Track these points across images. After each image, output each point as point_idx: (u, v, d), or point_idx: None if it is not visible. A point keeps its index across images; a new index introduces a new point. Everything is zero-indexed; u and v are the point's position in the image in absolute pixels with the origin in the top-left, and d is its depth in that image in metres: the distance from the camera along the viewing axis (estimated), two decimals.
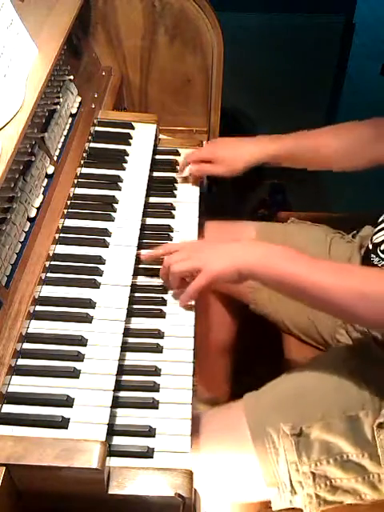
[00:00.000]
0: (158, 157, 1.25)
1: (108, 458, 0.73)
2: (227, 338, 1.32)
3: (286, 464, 0.87)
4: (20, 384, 0.79)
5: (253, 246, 0.92)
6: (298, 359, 1.18)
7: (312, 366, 0.99)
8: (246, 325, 1.35)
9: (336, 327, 1.10)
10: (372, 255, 1.04)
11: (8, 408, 0.77)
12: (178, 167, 1.23)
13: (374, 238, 1.05)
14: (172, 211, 1.13)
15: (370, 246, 1.05)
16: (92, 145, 1.20)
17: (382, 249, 1.02)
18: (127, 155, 1.19)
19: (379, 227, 1.05)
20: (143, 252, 1.01)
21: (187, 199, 1.17)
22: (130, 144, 1.22)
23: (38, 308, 0.88)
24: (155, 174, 1.20)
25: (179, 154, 1.26)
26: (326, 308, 0.88)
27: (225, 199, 1.99)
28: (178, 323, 0.93)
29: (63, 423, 0.75)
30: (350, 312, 0.81)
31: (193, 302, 0.96)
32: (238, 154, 1.15)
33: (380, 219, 1.06)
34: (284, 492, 0.88)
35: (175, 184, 1.20)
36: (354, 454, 0.86)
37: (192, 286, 0.91)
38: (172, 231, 1.09)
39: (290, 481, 0.87)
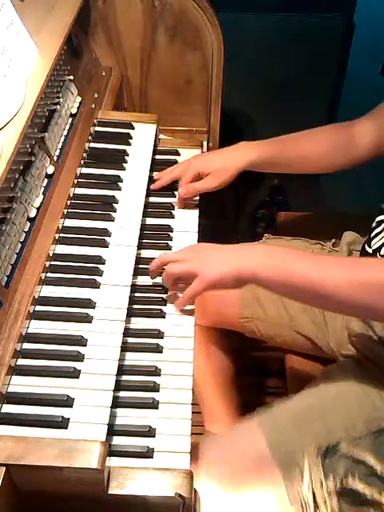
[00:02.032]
0: (157, 157, 1.25)
1: (108, 458, 0.73)
2: (228, 378, 1.30)
3: (311, 483, 0.85)
4: (20, 384, 0.79)
5: (253, 248, 0.90)
6: (301, 375, 1.18)
7: (326, 380, 0.97)
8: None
9: (343, 339, 1.08)
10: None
11: (8, 408, 0.77)
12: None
13: (373, 243, 1.04)
14: (172, 211, 1.13)
15: (370, 251, 1.04)
16: (92, 145, 1.20)
17: (381, 253, 1.01)
18: (127, 155, 1.19)
19: (375, 232, 1.05)
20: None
21: (187, 199, 1.16)
22: (129, 144, 1.22)
23: (38, 308, 0.88)
24: (155, 174, 1.20)
25: (179, 154, 1.26)
26: (339, 306, 0.84)
27: (225, 199, 1.99)
28: (177, 323, 0.93)
29: (63, 423, 0.75)
30: (361, 306, 0.78)
31: (193, 306, 0.95)
32: (225, 163, 1.14)
33: (374, 224, 1.06)
34: (307, 509, 0.86)
35: (175, 184, 1.20)
36: (379, 467, 0.84)
37: (188, 292, 0.90)
38: (172, 231, 1.09)
39: (314, 499, 0.85)
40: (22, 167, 0.94)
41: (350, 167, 1.17)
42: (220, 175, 1.13)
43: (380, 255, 1.01)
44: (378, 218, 1.06)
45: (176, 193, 1.17)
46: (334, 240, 1.23)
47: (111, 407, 0.78)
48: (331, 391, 0.94)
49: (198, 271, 0.88)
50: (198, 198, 1.17)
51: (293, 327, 1.14)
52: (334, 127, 1.20)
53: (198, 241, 1.09)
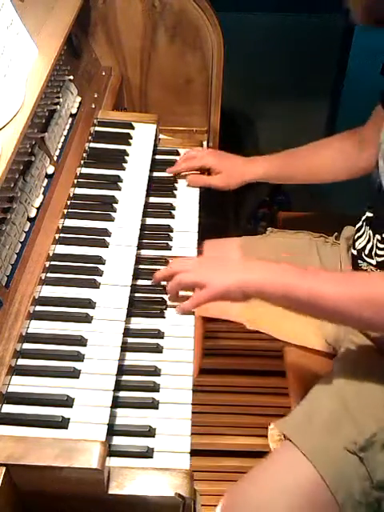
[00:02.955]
0: (157, 157, 1.25)
1: (108, 458, 0.73)
2: None
3: (359, 481, 0.85)
4: (20, 384, 0.79)
5: (257, 264, 0.92)
6: (301, 371, 1.17)
7: (339, 377, 0.96)
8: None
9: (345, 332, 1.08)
10: (359, 261, 1.04)
11: (8, 408, 0.77)
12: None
13: (356, 244, 1.05)
14: (172, 211, 1.13)
15: (355, 253, 1.06)
16: (92, 145, 1.20)
17: (366, 253, 1.02)
18: (127, 155, 1.19)
19: (358, 234, 1.06)
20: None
21: (187, 199, 1.17)
22: (129, 144, 1.22)
23: (38, 308, 0.88)
24: (155, 174, 1.20)
25: (179, 154, 1.26)
26: (337, 319, 0.88)
27: (225, 199, 1.99)
28: (178, 323, 0.93)
29: (63, 423, 0.75)
30: (360, 320, 0.81)
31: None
32: (237, 170, 1.21)
33: (358, 225, 1.07)
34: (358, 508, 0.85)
35: (175, 184, 1.20)
36: None
37: (194, 300, 0.92)
38: (172, 231, 1.09)
39: (365, 497, 0.84)
40: (21, 167, 0.94)
41: (363, 174, 1.17)
42: (229, 178, 1.20)
43: (365, 255, 1.02)
44: (363, 217, 1.06)
45: (176, 193, 1.17)
46: (336, 234, 1.24)
47: (111, 407, 0.78)
48: (349, 389, 0.93)
49: (206, 282, 0.89)
50: (198, 198, 1.17)
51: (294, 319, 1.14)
52: (339, 137, 1.21)
53: (198, 241, 1.09)
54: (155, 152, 1.25)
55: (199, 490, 0.78)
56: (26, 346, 0.84)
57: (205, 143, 1.40)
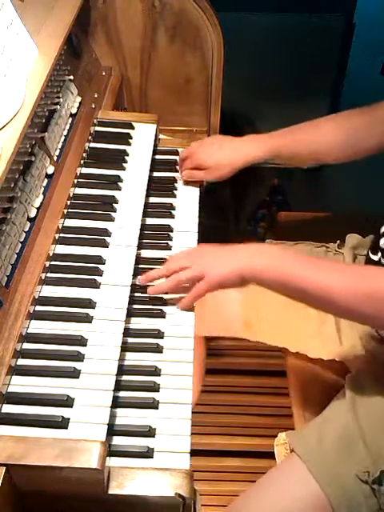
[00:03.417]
0: (157, 157, 1.25)
1: (108, 458, 0.73)
2: None
3: (369, 510, 0.84)
4: (20, 384, 0.79)
5: (255, 249, 0.91)
6: (302, 375, 1.17)
7: (357, 396, 0.94)
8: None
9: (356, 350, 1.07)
10: (383, 260, 1.01)
11: (8, 408, 0.77)
12: (177, 167, 1.23)
13: (382, 242, 1.01)
14: (172, 211, 1.13)
15: (377, 258, 1.02)
16: (92, 145, 1.20)
17: None
18: (127, 155, 1.19)
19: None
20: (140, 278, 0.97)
21: (187, 199, 1.17)
22: (130, 144, 1.22)
23: (38, 308, 0.88)
24: (155, 174, 1.20)
25: (179, 154, 1.26)
26: (332, 309, 0.86)
27: (225, 199, 1.99)
28: (178, 323, 0.93)
29: (63, 423, 0.75)
30: (356, 313, 0.80)
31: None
32: (234, 156, 1.14)
33: (383, 230, 1.03)
34: None
35: (175, 184, 1.20)
36: None
37: (193, 293, 0.91)
38: (172, 231, 1.09)
39: None
40: (21, 167, 0.94)
41: (377, 152, 1.09)
42: (220, 169, 1.14)
43: None
44: None
45: (176, 193, 1.17)
46: (338, 242, 1.21)
47: (111, 407, 0.78)
48: (364, 412, 0.91)
49: (204, 273, 0.89)
50: (198, 198, 1.17)
51: (297, 330, 1.13)
52: (352, 112, 1.13)
53: (198, 241, 1.09)
54: (155, 152, 1.25)
55: (199, 489, 0.78)
56: (26, 345, 0.84)
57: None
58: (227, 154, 1.15)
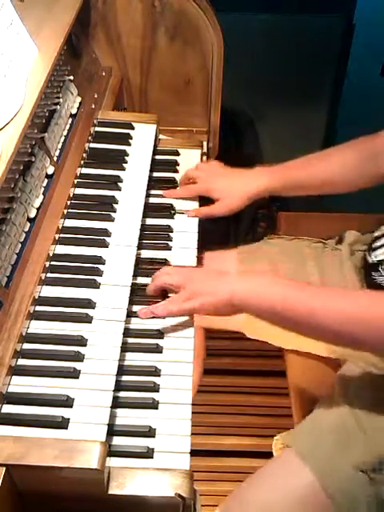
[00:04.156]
0: (157, 157, 1.25)
1: (108, 458, 0.73)
2: None
3: (366, 501, 0.84)
4: (20, 384, 0.79)
5: (245, 276, 0.91)
6: (301, 375, 1.17)
7: (351, 390, 0.95)
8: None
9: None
10: (373, 273, 1.01)
11: (8, 408, 0.77)
12: (177, 167, 1.23)
13: (373, 255, 1.02)
14: (172, 211, 1.13)
15: (370, 261, 1.03)
16: (92, 145, 1.20)
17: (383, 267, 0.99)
18: (127, 155, 1.19)
19: (378, 243, 1.03)
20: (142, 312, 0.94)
21: (187, 199, 1.16)
22: (130, 144, 1.22)
23: (38, 308, 0.88)
24: (155, 174, 1.20)
25: (179, 154, 1.26)
26: (322, 335, 0.84)
27: None
28: (177, 323, 0.93)
29: (63, 423, 0.75)
30: (356, 340, 0.79)
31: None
32: (238, 190, 1.11)
33: (376, 234, 1.04)
34: None
35: (175, 184, 1.20)
36: None
37: (182, 307, 0.89)
38: (172, 231, 1.09)
39: None
40: (21, 167, 0.94)
41: (380, 183, 1.10)
42: (230, 203, 1.12)
43: (382, 269, 0.99)
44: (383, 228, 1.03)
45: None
46: (336, 238, 1.22)
47: (111, 407, 0.78)
48: (359, 404, 0.91)
49: (195, 296, 0.88)
50: (198, 198, 1.17)
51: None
52: (357, 142, 1.12)
53: (198, 241, 1.09)
54: (155, 152, 1.24)
55: (199, 489, 0.78)
56: (26, 346, 0.84)
57: (205, 143, 1.40)
58: (242, 182, 1.12)
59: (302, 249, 1.20)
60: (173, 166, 1.23)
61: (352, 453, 0.86)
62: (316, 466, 0.86)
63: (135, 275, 0.97)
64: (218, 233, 1.31)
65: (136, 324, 0.93)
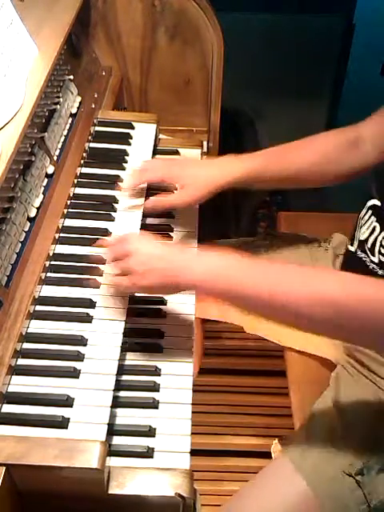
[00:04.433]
0: (158, 157, 1.25)
1: (108, 457, 0.73)
2: None
3: (355, 504, 0.84)
4: (20, 384, 0.79)
5: (196, 259, 0.84)
6: (301, 375, 1.17)
7: (341, 394, 0.95)
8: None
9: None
10: (358, 251, 0.97)
11: (8, 408, 0.77)
12: None
13: (359, 234, 0.98)
14: (172, 211, 1.13)
15: (353, 247, 0.99)
16: (92, 145, 1.20)
17: (368, 247, 0.94)
18: (127, 155, 1.19)
19: (361, 223, 0.98)
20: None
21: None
22: (130, 144, 1.22)
23: (38, 308, 0.88)
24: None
25: (179, 154, 1.26)
26: (296, 321, 0.77)
27: (224, 199, 1.99)
28: (178, 323, 0.93)
29: (63, 423, 0.75)
30: (328, 324, 0.73)
31: (193, 302, 0.95)
32: (205, 178, 1.01)
33: (362, 214, 0.98)
34: None
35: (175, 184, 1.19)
36: None
37: (122, 288, 0.87)
38: (172, 231, 1.09)
39: None
40: (22, 167, 0.94)
41: (357, 177, 1.06)
42: (195, 191, 1.01)
43: (367, 248, 0.95)
44: (368, 205, 0.97)
45: (176, 192, 1.17)
46: (328, 239, 1.22)
47: (111, 407, 0.78)
48: (348, 409, 0.92)
49: (139, 273, 0.82)
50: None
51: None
52: (334, 132, 1.07)
53: (198, 241, 1.09)
54: (155, 152, 1.24)
55: (199, 489, 0.78)
56: (26, 345, 0.84)
57: (205, 143, 1.40)
58: (207, 171, 1.02)
59: (298, 245, 1.20)
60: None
61: (340, 457, 0.87)
62: (306, 472, 0.86)
63: None
64: (218, 233, 1.31)
65: (136, 324, 0.93)
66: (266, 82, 1.95)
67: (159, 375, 0.86)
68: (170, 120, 1.40)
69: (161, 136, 1.31)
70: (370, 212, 0.96)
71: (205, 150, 1.37)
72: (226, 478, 1.41)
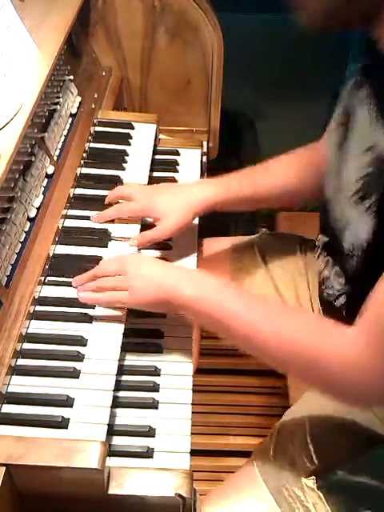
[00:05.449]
0: (157, 157, 1.25)
1: (108, 458, 0.73)
2: None
3: None
4: (20, 384, 0.79)
5: (187, 277, 0.85)
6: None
7: (309, 404, 0.96)
8: None
9: None
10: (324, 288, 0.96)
11: (8, 408, 0.77)
12: (178, 167, 1.22)
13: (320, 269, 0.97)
14: None
15: (320, 279, 0.98)
16: (92, 145, 1.20)
17: (326, 284, 0.93)
18: (127, 155, 1.19)
19: (319, 260, 0.96)
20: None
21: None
22: (129, 144, 1.22)
23: (38, 308, 0.88)
24: (155, 174, 1.20)
25: (179, 154, 1.26)
26: (256, 352, 0.81)
27: None
28: (177, 323, 0.93)
29: (63, 423, 0.75)
30: (282, 366, 0.78)
31: None
32: (181, 205, 0.99)
33: (317, 252, 0.98)
34: None
35: (175, 184, 1.20)
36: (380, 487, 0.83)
37: (107, 298, 0.87)
38: None
39: None
40: (22, 167, 0.94)
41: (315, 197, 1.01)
42: (172, 222, 0.98)
43: (325, 285, 0.94)
44: (320, 242, 0.96)
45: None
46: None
47: (111, 407, 0.78)
48: (314, 419, 0.92)
49: (129, 288, 0.85)
50: None
51: None
52: (298, 151, 1.06)
53: (198, 240, 1.09)
54: (155, 152, 1.24)
55: (199, 489, 0.78)
56: (26, 345, 0.84)
57: (205, 143, 1.40)
58: (181, 198, 0.99)
59: (293, 245, 1.20)
60: (173, 166, 1.23)
61: (303, 470, 0.86)
62: (270, 482, 0.87)
63: None
64: (218, 233, 1.31)
65: (136, 324, 0.93)
66: (266, 82, 1.95)
67: (159, 375, 0.86)
68: (170, 120, 1.40)
69: (161, 136, 1.31)
70: (322, 249, 0.96)
71: (205, 150, 1.37)
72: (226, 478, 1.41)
